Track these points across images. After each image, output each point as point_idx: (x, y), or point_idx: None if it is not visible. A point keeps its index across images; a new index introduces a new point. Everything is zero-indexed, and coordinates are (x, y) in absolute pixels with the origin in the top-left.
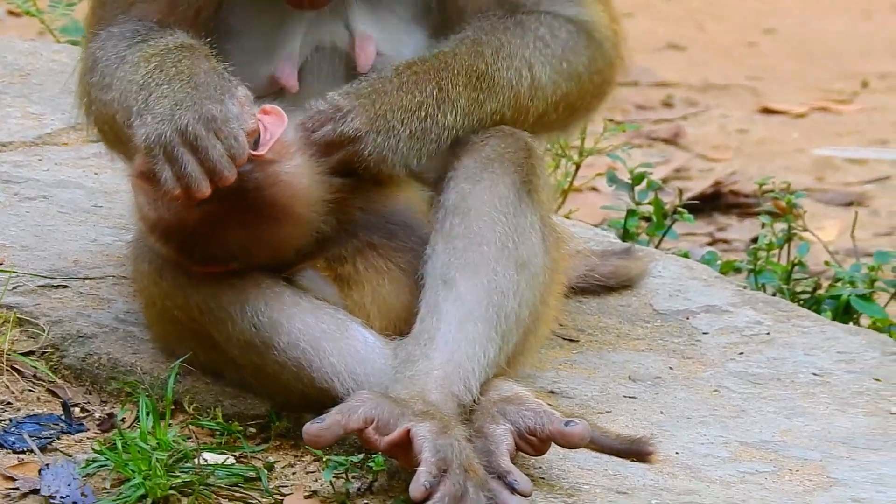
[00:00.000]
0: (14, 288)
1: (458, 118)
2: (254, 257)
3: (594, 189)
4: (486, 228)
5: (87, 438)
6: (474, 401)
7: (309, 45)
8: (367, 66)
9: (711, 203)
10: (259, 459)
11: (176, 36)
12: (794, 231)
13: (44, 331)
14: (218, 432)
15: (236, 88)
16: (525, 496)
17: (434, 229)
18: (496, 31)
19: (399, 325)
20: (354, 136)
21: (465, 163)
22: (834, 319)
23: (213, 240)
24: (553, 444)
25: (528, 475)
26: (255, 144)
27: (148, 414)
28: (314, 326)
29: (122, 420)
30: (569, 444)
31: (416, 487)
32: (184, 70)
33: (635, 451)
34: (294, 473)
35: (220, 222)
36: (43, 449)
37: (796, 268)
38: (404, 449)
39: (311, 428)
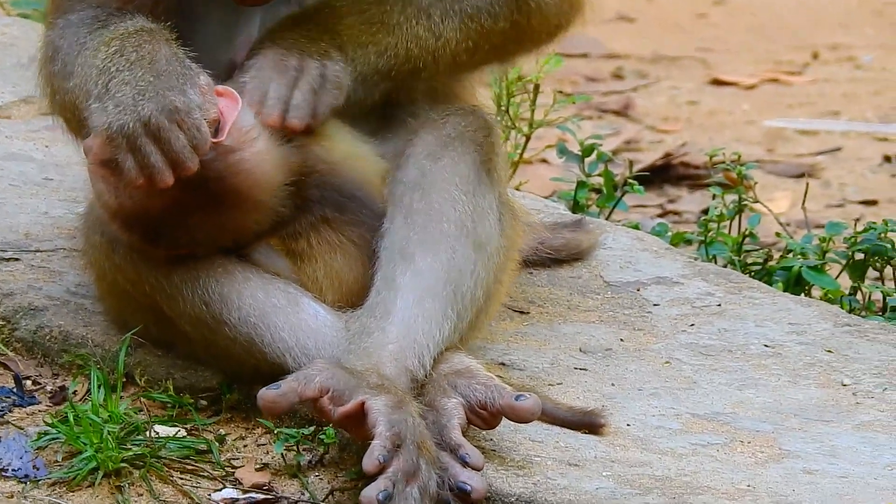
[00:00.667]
0: None
1: (361, 42)
2: (217, 242)
3: (544, 161)
4: (446, 206)
5: (39, 411)
6: (426, 375)
7: (266, 29)
8: None
9: (662, 175)
10: (210, 432)
11: (136, 20)
12: (745, 202)
13: None
14: (169, 405)
15: (198, 76)
16: (477, 469)
17: (392, 204)
18: None
19: (351, 299)
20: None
21: (426, 139)
22: (785, 291)
23: (176, 227)
24: (504, 417)
25: (479, 448)
26: (215, 132)
27: (99, 387)
28: (265, 301)
29: (74, 393)
30: (519, 418)
31: (370, 461)
32: (144, 56)
33: (587, 423)
34: (245, 446)
35: (183, 210)
36: None
37: (747, 239)
38: (358, 421)
39: (267, 394)
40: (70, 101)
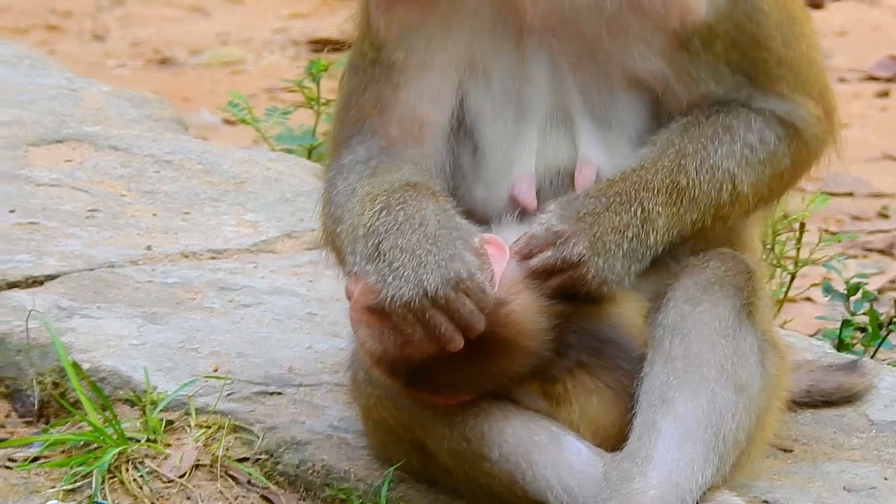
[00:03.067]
0: (229, 395)
1: (660, 235)
2: (480, 388)
3: (809, 299)
4: (705, 350)
5: None
6: None
7: (541, 164)
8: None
9: None
10: None
11: (402, 173)
12: None
13: (258, 437)
14: None
15: (471, 237)
16: None
17: (651, 348)
18: (701, 139)
19: (607, 443)
20: (578, 261)
21: (686, 284)
22: None
23: (440, 374)
24: None
25: None
26: None
27: None
28: (526, 439)
29: None
30: None
31: None
32: (412, 215)
33: None
34: None
35: (449, 359)
36: None
37: None
38: None
39: None
40: (338, 246)
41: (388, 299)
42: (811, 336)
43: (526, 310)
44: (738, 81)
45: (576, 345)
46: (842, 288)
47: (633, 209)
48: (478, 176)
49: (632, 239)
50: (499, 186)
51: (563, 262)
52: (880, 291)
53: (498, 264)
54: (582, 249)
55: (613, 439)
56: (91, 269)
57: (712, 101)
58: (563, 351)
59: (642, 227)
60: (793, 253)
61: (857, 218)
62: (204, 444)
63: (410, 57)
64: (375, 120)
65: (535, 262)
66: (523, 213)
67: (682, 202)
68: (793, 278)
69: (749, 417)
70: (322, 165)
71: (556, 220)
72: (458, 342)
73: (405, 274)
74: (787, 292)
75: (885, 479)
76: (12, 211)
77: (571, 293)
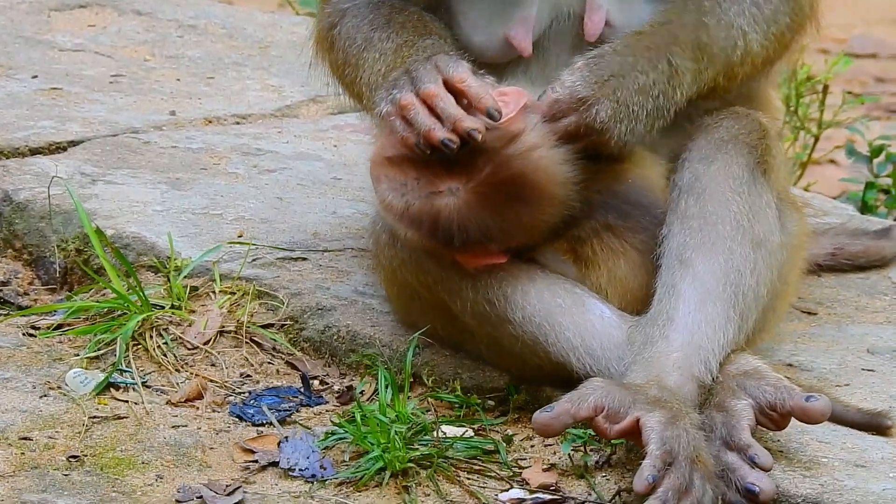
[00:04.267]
0: (253, 260)
1: (685, 92)
2: (510, 239)
3: (832, 161)
4: (720, 208)
5: (326, 411)
6: (713, 379)
7: (545, 8)
8: (594, 36)
9: None
10: (498, 432)
11: (425, 39)
12: None
13: (283, 303)
14: (456, 405)
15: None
16: (766, 470)
17: (669, 209)
18: None
19: (635, 306)
20: (601, 128)
21: (699, 143)
22: None
23: (469, 225)
24: (793, 418)
25: (766, 449)
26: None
27: (387, 386)
28: (549, 301)
29: (361, 393)
30: (810, 419)
31: (640, 482)
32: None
33: (875, 425)
34: (532, 446)
35: (478, 208)
36: (282, 422)
37: None
38: (635, 437)
39: (541, 417)
40: (357, 92)
41: (387, 103)
42: (835, 198)
43: (554, 155)
44: None
45: (602, 206)
46: (865, 150)
47: (661, 66)
48: (471, 20)
49: (658, 96)
50: (496, 30)
51: (586, 129)
52: None
53: (518, 101)
54: (605, 117)
55: (641, 302)
56: (114, 135)
57: None
58: (589, 211)
59: (669, 83)
60: (816, 115)
61: (880, 80)
62: (228, 311)
63: None
64: None
65: (559, 126)
66: (520, 59)
67: (703, 58)
68: (816, 140)
69: (770, 272)
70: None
71: (581, 84)
72: (473, 124)
73: (403, 83)
74: (810, 154)
75: None
76: (35, 76)
77: (593, 154)
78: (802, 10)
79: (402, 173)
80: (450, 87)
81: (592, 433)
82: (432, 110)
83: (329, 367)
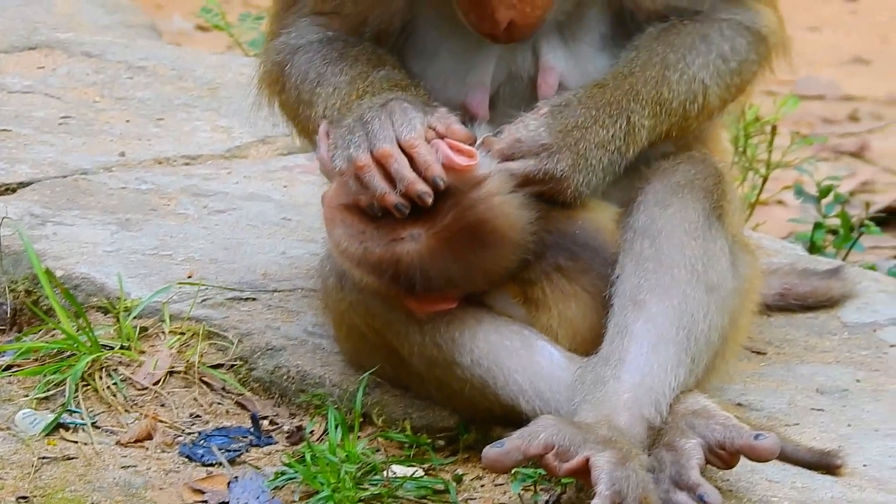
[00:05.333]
0: (203, 301)
1: (638, 147)
2: (472, 284)
3: (781, 202)
4: (675, 251)
5: (276, 451)
6: (663, 421)
7: (500, 73)
8: (547, 98)
9: None
10: (447, 472)
11: (380, 71)
12: None
13: (233, 343)
14: (406, 445)
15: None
16: None
17: (622, 251)
18: (683, 48)
19: (585, 347)
20: (561, 176)
21: (656, 187)
22: None
23: (431, 270)
24: (742, 457)
25: (715, 487)
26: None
27: (337, 426)
28: (498, 344)
29: (311, 432)
30: (759, 457)
31: None
32: (394, 110)
33: (824, 464)
34: (482, 486)
35: (439, 253)
36: (232, 462)
37: None
38: (584, 476)
39: (491, 452)
40: (309, 129)
41: (343, 160)
42: (783, 238)
43: (514, 201)
44: None
45: (552, 247)
46: (813, 191)
47: (619, 122)
48: (428, 83)
49: (613, 152)
50: (452, 96)
51: (545, 175)
52: (851, 194)
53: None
54: (565, 166)
55: (591, 343)
56: (64, 176)
57: (677, 12)
58: (540, 253)
59: (625, 140)
60: (765, 156)
61: (827, 121)
62: (178, 351)
63: None
64: (333, 19)
65: (517, 166)
66: (474, 122)
67: (661, 114)
68: (765, 181)
69: (721, 318)
70: (264, 44)
71: (545, 130)
72: (424, 188)
73: (359, 141)
74: (759, 195)
75: (858, 380)
76: None
77: (545, 199)
78: (769, 56)
79: (359, 220)
80: (402, 148)
81: (542, 472)
82: (386, 173)
83: (279, 407)
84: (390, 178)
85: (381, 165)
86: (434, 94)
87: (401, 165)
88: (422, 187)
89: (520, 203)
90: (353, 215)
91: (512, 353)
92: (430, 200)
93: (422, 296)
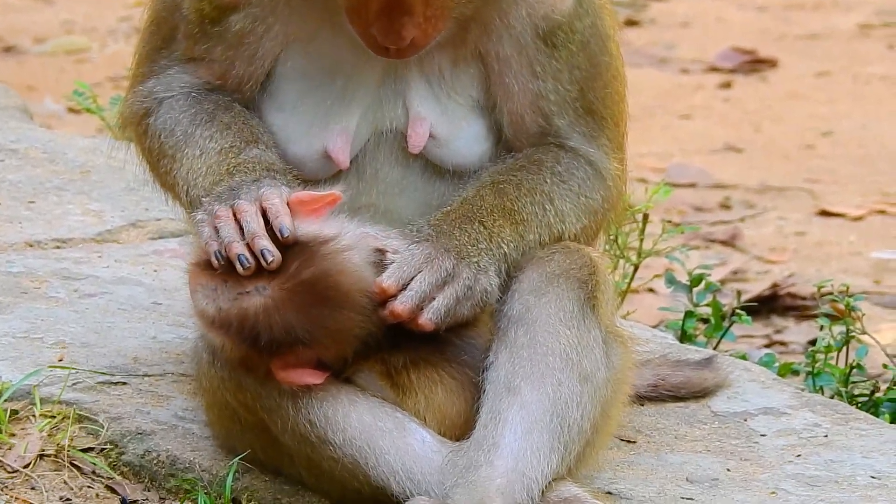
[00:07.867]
0: (73, 384)
1: (511, 248)
2: (318, 344)
3: (651, 290)
4: (550, 339)
5: None
6: None
7: (366, 122)
8: (417, 148)
9: (769, 305)
10: None
11: (250, 150)
12: (853, 334)
13: (103, 427)
14: None
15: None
16: None
17: (496, 338)
18: (513, 171)
19: (454, 432)
20: (453, 269)
21: (531, 276)
22: (892, 422)
23: (275, 324)
24: None
25: None
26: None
27: None
28: (370, 424)
29: None
30: None
31: None
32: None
33: None
34: None
35: (283, 306)
36: None
37: (854, 370)
38: None
39: None
40: (170, 184)
41: (205, 213)
42: (654, 327)
43: (358, 259)
44: (568, 101)
45: (415, 340)
46: (684, 279)
47: (473, 227)
48: (288, 130)
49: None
50: (313, 142)
51: (445, 275)
52: (723, 282)
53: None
54: (450, 262)
55: (460, 429)
56: None
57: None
58: (402, 345)
59: (490, 240)
60: (636, 244)
61: (699, 209)
62: (49, 434)
63: (250, 25)
64: (201, 66)
65: (419, 285)
66: (338, 173)
67: (515, 219)
68: (636, 269)
69: (594, 408)
70: (130, 84)
71: (413, 244)
72: (268, 245)
73: (224, 198)
74: (630, 283)
75: (728, 469)
76: None
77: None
78: (609, 191)
79: (212, 278)
80: (260, 205)
81: None
82: (239, 226)
83: (149, 491)
84: (241, 231)
85: (237, 219)
86: (296, 139)
87: (251, 219)
88: (265, 243)
89: (367, 264)
90: (208, 274)
91: (384, 434)
92: (271, 258)
93: (284, 361)
